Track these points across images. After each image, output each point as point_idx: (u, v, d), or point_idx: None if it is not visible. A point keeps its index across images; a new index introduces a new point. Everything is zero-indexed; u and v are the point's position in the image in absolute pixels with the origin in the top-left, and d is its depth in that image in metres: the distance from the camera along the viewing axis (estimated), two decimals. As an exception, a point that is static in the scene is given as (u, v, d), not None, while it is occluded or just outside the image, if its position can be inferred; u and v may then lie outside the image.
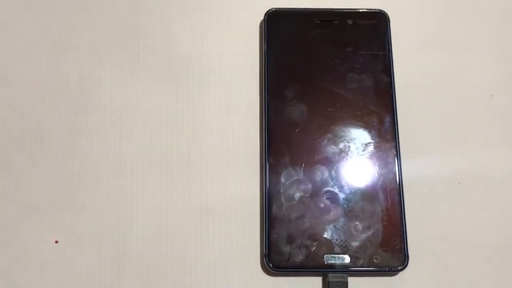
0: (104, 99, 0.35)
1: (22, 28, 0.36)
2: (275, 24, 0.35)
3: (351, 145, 0.33)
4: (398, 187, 0.32)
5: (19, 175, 0.33)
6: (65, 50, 0.36)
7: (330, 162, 0.33)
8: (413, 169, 0.34)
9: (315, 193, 0.32)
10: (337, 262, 0.31)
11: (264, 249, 0.31)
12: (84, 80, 0.35)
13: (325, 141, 0.33)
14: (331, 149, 0.33)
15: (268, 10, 0.36)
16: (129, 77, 0.35)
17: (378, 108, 0.34)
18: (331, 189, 0.32)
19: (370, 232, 0.32)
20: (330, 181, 0.32)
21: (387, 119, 0.34)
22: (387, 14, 0.36)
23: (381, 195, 0.32)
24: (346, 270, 0.31)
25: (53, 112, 0.35)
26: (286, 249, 0.31)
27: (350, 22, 0.35)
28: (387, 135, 0.33)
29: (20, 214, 0.33)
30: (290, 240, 0.31)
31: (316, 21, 0.35)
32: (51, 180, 0.33)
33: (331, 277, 0.31)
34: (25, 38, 0.36)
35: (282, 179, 0.32)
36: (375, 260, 0.31)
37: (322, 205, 0.32)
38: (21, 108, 0.35)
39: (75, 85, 0.35)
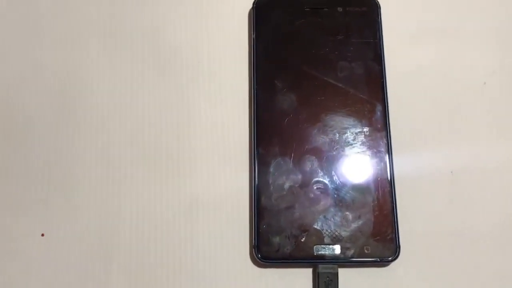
0: (91, 92, 0.34)
1: (6, 20, 0.36)
2: (264, 13, 0.35)
3: (342, 134, 0.33)
4: (389, 177, 0.32)
5: (6, 169, 0.33)
6: (51, 42, 0.35)
7: (320, 152, 0.32)
8: (405, 158, 0.33)
9: (305, 183, 0.32)
10: (327, 253, 0.30)
11: (253, 241, 0.31)
12: (71, 74, 0.35)
13: (315, 130, 0.33)
14: (321, 138, 0.33)
15: (257, -2, 0.35)
16: (117, 69, 0.35)
17: (369, 97, 0.33)
18: (321, 179, 0.32)
19: (360, 223, 0.31)
20: (320, 171, 0.32)
21: (378, 108, 0.33)
22: (378, 1, 0.35)
23: (372, 185, 0.32)
24: (337, 261, 0.30)
25: (39, 106, 0.34)
26: (276, 240, 0.31)
27: (340, 9, 0.35)
28: (378, 125, 0.33)
29: (7, 207, 0.32)
30: (279, 231, 0.31)
31: (306, 9, 0.35)
32: (38, 174, 0.33)
33: (321, 268, 0.30)
34: (9, 30, 0.36)
35: (272, 170, 0.32)
36: (366, 251, 0.31)
37: (312, 195, 0.32)
38: (6, 102, 0.34)
39: (62, 79, 0.35)
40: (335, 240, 0.31)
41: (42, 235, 0.32)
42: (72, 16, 0.36)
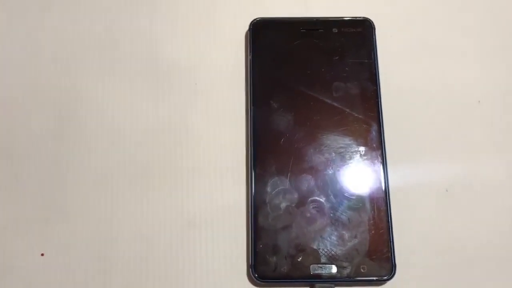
0: (89, 109, 0.35)
1: (7, 39, 0.37)
2: (260, 34, 0.35)
3: (337, 154, 0.33)
4: (384, 196, 0.32)
5: (5, 188, 0.33)
6: (50, 60, 0.36)
7: (316, 171, 0.33)
8: (400, 177, 0.33)
9: (301, 202, 0.32)
10: (324, 272, 0.31)
11: (250, 260, 0.31)
12: (70, 91, 0.35)
13: (311, 150, 0.33)
14: (317, 158, 0.33)
15: (253, 20, 0.36)
16: (115, 87, 0.35)
17: (364, 116, 0.34)
18: (317, 199, 0.32)
19: (357, 242, 0.31)
20: (316, 190, 0.32)
21: (374, 127, 0.34)
22: (372, 22, 0.36)
23: (367, 204, 0.32)
24: (333, 280, 0.31)
25: (38, 123, 0.35)
26: (272, 259, 0.31)
27: (335, 30, 0.35)
28: (373, 143, 0.33)
29: (6, 226, 0.33)
30: (276, 250, 0.31)
31: (301, 30, 0.35)
32: (37, 193, 0.33)
33: (318, 287, 0.31)
34: (9, 48, 0.36)
35: (268, 189, 0.32)
36: (362, 270, 0.31)
37: (308, 214, 0.32)
38: (6, 121, 0.35)
39: (60, 96, 0.35)
40: (331, 259, 0.31)
41: (42, 254, 0.32)
42: (70, 36, 0.36)
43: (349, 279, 0.31)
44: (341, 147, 0.33)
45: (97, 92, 0.35)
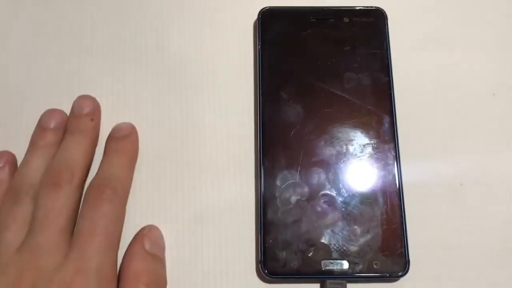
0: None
1: (15, 31, 0.36)
2: (269, 24, 0.34)
3: (349, 146, 0.32)
4: (398, 190, 0.31)
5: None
6: (58, 52, 0.35)
7: (327, 165, 0.32)
8: (413, 170, 0.32)
9: (312, 196, 0.31)
10: (336, 268, 0.30)
11: (260, 255, 0.30)
12: (76, 84, 0.34)
13: (322, 142, 0.32)
14: (328, 151, 0.32)
15: (262, 9, 0.35)
16: (122, 79, 0.35)
17: (376, 108, 0.33)
18: (329, 192, 0.31)
19: (369, 237, 0.30)
20: (327, 184, 0.31)
21: (386, 119, 0.33)
22: (384, 12, 0.35)
23: (380, 198, 0.31)
24: (345, 276, 0.30)
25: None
26: (282, 255, 0.30)
27: (346, 20, 0.34)
28: (386, 136, 0.32)
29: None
30: (286, 245, 0.30)
31: (312, 20, 0.34)
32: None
33: (329, 283, 0.30)
34: (18, 41, 0.36)
35: (278, 183, 0.31)
36: (375, 266, 0.30)
37: (319, 209, 0.31)
38: (19, 115, 0.34)
39: (68, 89, 0.34)
40: (343, 255, 0.30)
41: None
42: (77, 31, 0.36)
43: (362, 276, 0.30)
44: (353, 140, 0.32)
45: (103, 84, 0.34)
